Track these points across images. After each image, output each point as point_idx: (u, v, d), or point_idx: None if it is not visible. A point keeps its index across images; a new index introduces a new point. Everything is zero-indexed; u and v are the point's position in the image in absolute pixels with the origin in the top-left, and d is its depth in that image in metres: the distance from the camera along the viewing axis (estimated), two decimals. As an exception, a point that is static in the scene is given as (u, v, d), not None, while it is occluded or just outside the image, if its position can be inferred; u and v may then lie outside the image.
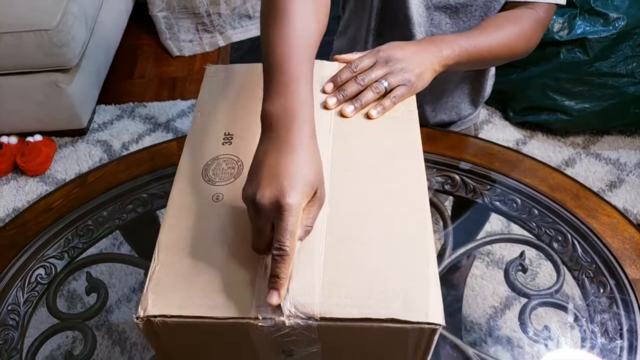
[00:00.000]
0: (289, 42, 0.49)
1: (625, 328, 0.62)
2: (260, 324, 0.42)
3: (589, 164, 1.55)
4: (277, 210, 0.41)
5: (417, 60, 0.64)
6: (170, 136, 1.71)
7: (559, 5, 0.75)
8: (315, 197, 0.44)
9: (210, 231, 0.48)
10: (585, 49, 1.45)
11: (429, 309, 0.41)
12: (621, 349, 0.61)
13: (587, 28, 1.43)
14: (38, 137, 1.63)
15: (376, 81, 0.61)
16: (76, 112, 1.61)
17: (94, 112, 1.76)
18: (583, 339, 0.62)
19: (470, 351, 0.62)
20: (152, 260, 0.46)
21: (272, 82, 0.47)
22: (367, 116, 0.59)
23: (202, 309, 0.42)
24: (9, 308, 0.67)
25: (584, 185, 0.78)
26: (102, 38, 1.73)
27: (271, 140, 0.45)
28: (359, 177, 0.52)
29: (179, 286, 0.44)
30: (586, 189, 0.77)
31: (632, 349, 0.61)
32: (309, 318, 0.42)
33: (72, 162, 1.63)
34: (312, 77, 0.49)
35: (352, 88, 0.60)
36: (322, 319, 0.41)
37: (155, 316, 0.42)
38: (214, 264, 0.45)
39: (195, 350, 0.48)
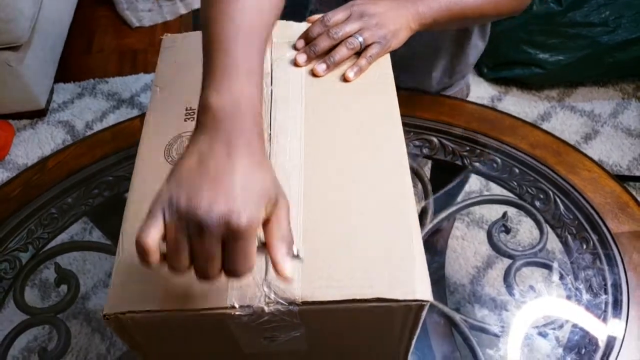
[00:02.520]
0: (238, 19, 0.42)
1: (609, 283, 0.62)
2: (237, 312, 0.39)
3: (565, 117, 1.55)
4: (229, 231, 0.33)
5: (392, 17, 0.60)
6: (135, 112, 1.64)
7: None
8: (278, 207, 0.36)
9: None
10: (558, -1, 1.43)
11: (416, 285, 0.39)
12: (606, 304, 0.61)
13: (559, -23, 1.41)
14: (-6, 121, 1.55)
15: (350, 36, 0.57)
16: (32, 92, 1.53)
17: (52, 92, 1.67)
18: (568, 297, 0.61)
19: (457, 317, 0.61)
20: (117, 252, 0.43)
21: (217, 68, 0.40)
22: (344, 78, 0.55)
23: (173, 301, 0.39)
24: (-27, 307, 0.63)
25: (564, 141, 0.77)
26: (52, 10, 1.63)
27: (214, 137, 0.37)
28: (335, 150, 0.49)
29: (146, 278, 0.41)
30: (566, 145, 0.76)
31: (617, 303, 0.60)
32: (290, 303, 0.39)
33: (34, 145, 1.56)
34: (263, 64, 0.43)
35: (324, 43, 0.56)
36: (304, 303, 0.39)
37: (123, 313, 0.39)
38: None
39: (171, 344, 0.45)
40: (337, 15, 0.59)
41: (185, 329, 0.43)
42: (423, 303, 0.39)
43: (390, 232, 0.43)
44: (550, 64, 1.53)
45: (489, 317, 0.63)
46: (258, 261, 0.40)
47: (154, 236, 0.34)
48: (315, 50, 0.56)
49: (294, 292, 0.39)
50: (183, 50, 0.60)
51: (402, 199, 0.45)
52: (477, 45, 0.83)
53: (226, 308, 0.39)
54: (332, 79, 0.56)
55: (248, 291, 0.40)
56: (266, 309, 0.39)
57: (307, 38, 0.57)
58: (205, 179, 0.34)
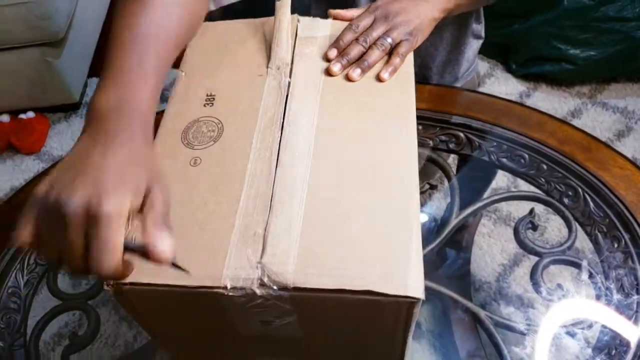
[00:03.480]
0: (137, 29, 0.46)
1: (641, 282, 0.61)
2: (230, 293, 0.40)
3: (596, 114, 1.51)
4: (89, 217, 0.34)
5: (414, 12, 0.61)
6: (164, 106, 1.67)
7: None
8: (152, 197, 0.37)
9: (186, 196, 0.46)
10: (590, -8, 1.39)
11: (408, 281, 0.39)
12: (638, 304, 0.59)
13: (593, -29, 1.37)
14: (30, 114, 1.59)
15: (379, 39, 0.58)
16: (67, 86, 1.57)
17: (86, 86, 1.72)
18: (598, 296, 0.60)
19: (482, 314, 0.61)
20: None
21: (109, 72, 0.43)
22: (379, 79, 0.55)
23: (172, 277, 0.40)
24: (10, 291, 0.65)
25: (594, 137, 0.75)
26: (88, 7, 1.67)
27: (94, 136, 0.39)
28: (344, 143, 0.49)
29: None
30: (597, 141, 0.75)
31: (648, 303, 0.59)
32: (282, 288, 0.40)
33: (67, 137, 1.61)
34: (162, 76, 0.46)
35: (355, 50, 0.57)
36: (295, 289, 0.40)
37: (124, 284, 0.41)
38: (188, 231, 0.44)
39: (171, 318, 0.47)
40: (363, 20, 0.60)
41: (184, 304, 0.44)
42: (414, 300, 0.39)
43: (390, 227, 0.43)
44: (581, 59, 1.49)
45: (515, 315, 0.63)
46: (253, 243, 0.42)
47: (25, 233, 0.36)
48: (349, 59, 0.57)
49: (286, 277, 0.40)
50: (211, 39, 0.61)
51: (406, 196, 0.45)
52: (474, 30, 0.83)
53: (220, 288, 0.40)
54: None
55: (242, 273, 0.41)
56: (258, 292, 0.40)
57: (339, 47, 0.58)
58: (77, 173, 0.36)
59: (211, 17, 0.64)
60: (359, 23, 0.59)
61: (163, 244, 0.36)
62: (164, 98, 1.85)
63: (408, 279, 0.40)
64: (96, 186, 0.35)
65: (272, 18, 0.59)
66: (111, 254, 0.35)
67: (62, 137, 1.61)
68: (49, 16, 1.42)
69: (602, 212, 0.67)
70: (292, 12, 0.60)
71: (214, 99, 0.54)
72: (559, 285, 0.62)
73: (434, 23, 0.63)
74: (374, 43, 0.58)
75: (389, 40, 0.58)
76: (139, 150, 0.39)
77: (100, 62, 1.83)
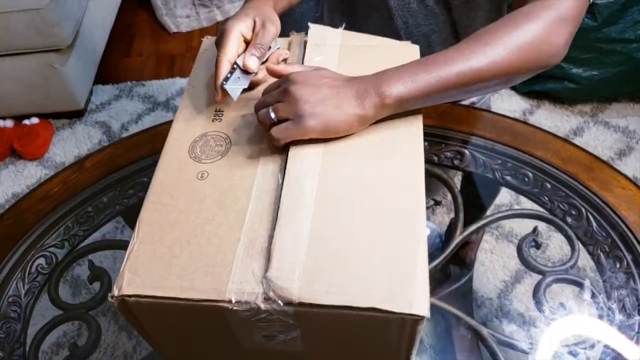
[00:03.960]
0: None
1: (643, 304, 0.61)
2: (235, 307, 0.40)
3: (598, 133, 1.52)
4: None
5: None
6: (170, 115, 1.68)
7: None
8: (259, 26, 0.58)
9: (192, 210, 0.46)
10: (593, 14, 1.40)
11: (413, 299, 0.39)
12: (640, 325, 0.59)
13: (596, -8, 1.39)
14: (35, 120, 1.60)
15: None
16: (73, 93, 1.58)
17: (91, 93, 1.72)
18: (600, 316, 0.60)
19: (484, 331, 0.61)
20: (132, 238, 0.45)
21: None
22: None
23: (177, 290, 0.41)
24: (10, 300, 0.65)
25: (597, 157, 0.75)
26: (96, 16, 1.69)
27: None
28: (352, 158, 0.49)
29: (156, 266, 0.43)
30: (599, 161, 0.75)
31: (651, 325, 0.59)
32: (287, 303, 0.40)
33: (71, 144, 1.61)
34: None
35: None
36: (300, 304, 0.40)
37: (129, 296, 0.41)
38: (193, 244, 0.44)
39: (174, 330, 0.47)
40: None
41: (188, 317, 0.44)
42: (418, 318, 0.39)
43: (396, 245, 0.43)
44: (583, 78, 1.50)
45: (518, 333, 0.62)
46: (259, 258, 0.42)
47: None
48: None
49: (292, 292, 0.40)
50: None
51: (413, 215, 0.45)
52: None
53: (224, 302, 0.40)
54: None
55: (247, 287, 0.41)
56: (262, 306, 0.40)
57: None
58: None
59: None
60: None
61: (249, 61, 0.56)
62: (172, 108, 1.85)
63: (413, 296, 0.40)
64: (229, 19, 0.58)
65: (279, 38, 0.60)
66: (222, 54, 0.55)
67: (65, 144, 1.61)
68: (58, 23, 1.43)
69: (605, 232, 0.67)
70: (304, 22, 0.61)
71: (222, 114, 0.55)
72: (561, 304, 0.62)
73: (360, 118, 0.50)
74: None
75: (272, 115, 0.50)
76: (258, 3, 0.61)
77: (106, 70, 1.83)
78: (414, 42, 0.63)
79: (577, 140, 1.49)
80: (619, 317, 0.60)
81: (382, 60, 0.54)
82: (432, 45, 0.80)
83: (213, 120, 0.54)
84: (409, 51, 0.61)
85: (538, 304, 0.62)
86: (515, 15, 0.54)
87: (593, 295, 0.62)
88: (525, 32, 0.52)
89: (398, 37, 0.79)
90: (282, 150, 0.50)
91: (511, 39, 0.52)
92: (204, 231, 0.45)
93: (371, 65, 0.53)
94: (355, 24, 0.65)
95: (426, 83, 0.50)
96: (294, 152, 0.50)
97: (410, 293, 0.40)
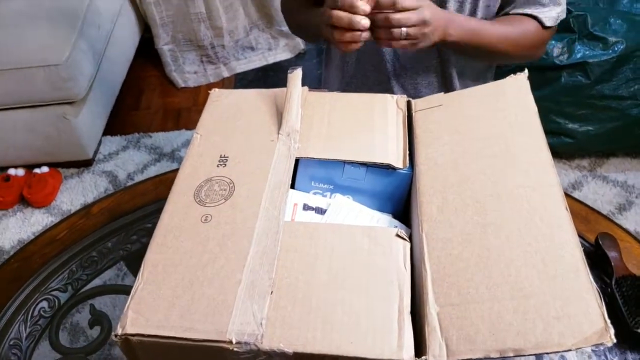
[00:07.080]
0: None
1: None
2: (235, 349, 0.41)
3: (597, 187, 1.54)
4: None
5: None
6: (175, 166, 1.72)
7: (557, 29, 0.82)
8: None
9: (196, 252, 0.48)
10: (586, 72, 1.45)
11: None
12: None
13: (587, 52, 1.44)
14: (45, 169, 1.64)
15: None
16: (83, 143, 1.63)
17: (99, 143, 1.77)
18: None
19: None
20: (137, 278, 0.46)
21: None
22: None
23: (179, 330, 0.42)
24: (11, 343, 0.66)
25: (593, 209, 0.77)
26: (108, 71, 1.76)
27: None
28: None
29: (159, 306, 0.44)
30: (596, 212, 0.76)
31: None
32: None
33: (78, 193, 1.64)
34: None
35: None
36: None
37: (133, 335, 0.42)
38: (196, 285, 0.45)
39: None
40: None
41: (189, 357, 0.45)
42: None
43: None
44: (580, 133, 1.53)
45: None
46: (260, 300, 0.44)
47: None
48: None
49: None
50: (227, 104, 0.65)
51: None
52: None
53: (225, 342, 0.41)
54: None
55: (247, 328, 0.42)
56: (262, 348, 0.41)
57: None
58: None
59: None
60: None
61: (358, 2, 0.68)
62: (177, 159, 1.89)
63: (397, 344, 0.41)
64: None
65: (283, 89, 0.63)
66: None
67: (72, 192, 1.64)
68: (73, 78, 1.49)
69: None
70: (306, 78, 0.64)
71: (227, 160, 0.57)
72: (562, 357, 0.62)
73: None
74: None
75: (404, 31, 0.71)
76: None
77: (115, 122, 1.89)
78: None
79: (576, 195, 1.51)
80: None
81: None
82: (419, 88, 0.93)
83: (218, 166, 0.57)
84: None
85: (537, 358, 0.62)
86: (521, 18, 0.83)
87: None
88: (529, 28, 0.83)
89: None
90: (283, 195, 0.53)
91: (515, 29, 0.83)
92: (206, 272, 0.46)
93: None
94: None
95: (475, 33, 0.79)
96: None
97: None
